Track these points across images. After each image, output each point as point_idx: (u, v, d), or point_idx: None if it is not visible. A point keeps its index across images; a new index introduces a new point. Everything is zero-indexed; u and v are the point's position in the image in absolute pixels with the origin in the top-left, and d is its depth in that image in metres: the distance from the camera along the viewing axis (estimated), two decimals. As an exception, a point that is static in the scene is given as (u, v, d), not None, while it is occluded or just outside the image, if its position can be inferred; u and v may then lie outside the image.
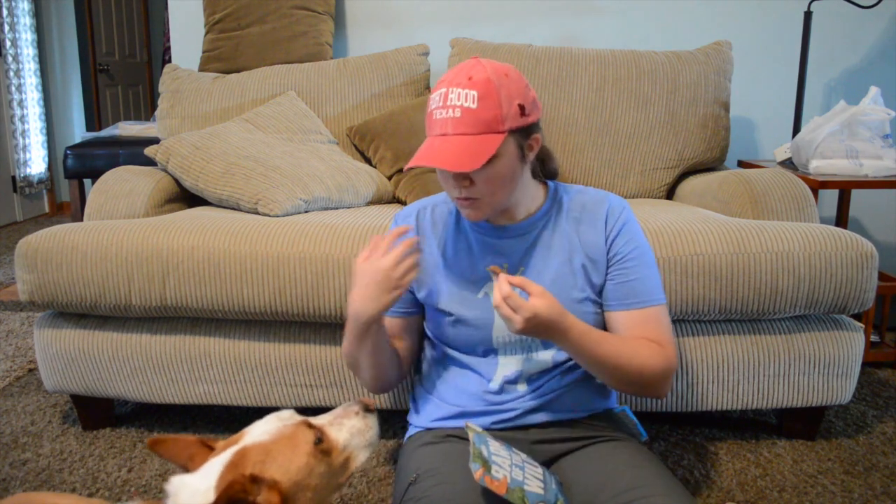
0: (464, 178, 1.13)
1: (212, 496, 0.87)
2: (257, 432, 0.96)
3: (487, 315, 1.24)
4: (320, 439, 0.97)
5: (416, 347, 1.39)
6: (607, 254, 1.24)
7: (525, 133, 1.15)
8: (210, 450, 0.97)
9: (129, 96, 6.00)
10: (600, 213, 1.25)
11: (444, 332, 1.29)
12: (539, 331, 1.08)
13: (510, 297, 1.05)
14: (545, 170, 1.29)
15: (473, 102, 1.08)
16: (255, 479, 0.88)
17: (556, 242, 1.24)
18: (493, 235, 1.25)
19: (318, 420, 1.02)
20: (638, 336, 1.20)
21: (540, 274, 1.23)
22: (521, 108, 1.12)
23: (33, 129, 5.18)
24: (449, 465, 1.14)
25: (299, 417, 1.00)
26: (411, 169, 2.31)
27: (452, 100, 1.10)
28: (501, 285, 1.06)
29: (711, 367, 1.69)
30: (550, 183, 1.30)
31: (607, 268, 1.24)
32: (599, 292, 1.25)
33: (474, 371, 1.27)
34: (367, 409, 1.06)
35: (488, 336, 1.25)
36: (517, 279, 1.08)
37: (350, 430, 1.02)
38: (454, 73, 1.12)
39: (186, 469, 0.96)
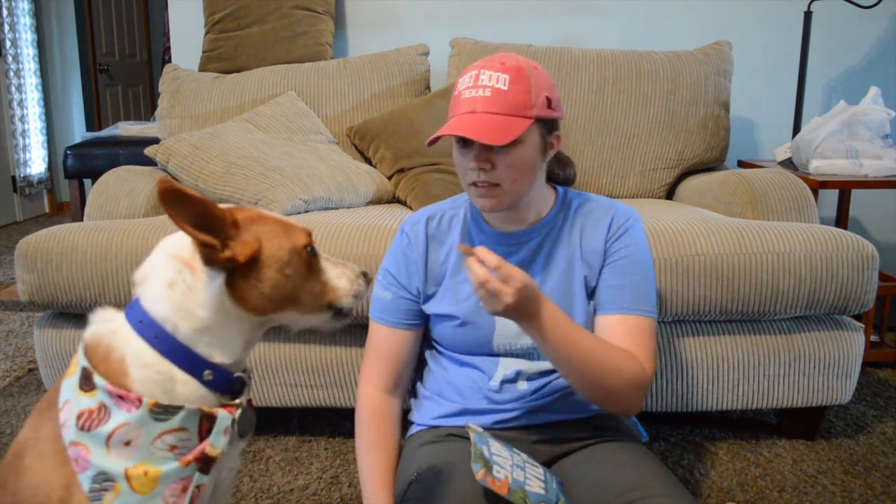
0: (486, 161, 1.12)
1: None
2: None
3: (490, 319, 1.24)
4: (314, 252, 0.91)
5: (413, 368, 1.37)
6: (604, 255, 1.22)
7: (549, 127, 1.17)
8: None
9: (129, 96, 6.01)
10: (604, 218, 1.24)
11: (446, 334, 1.29)
12: (524, 308, 1.02)
13: (488, 280, 0.99)
14: (564, 175, 1.31)
15: (504, 84, 1.10)
16: (236, 224, 0.83)
17: (559, 254, 1.24)
18: (498, 242, 1.25)
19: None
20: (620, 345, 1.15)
21: (540, 284, 1.23)
22: (549, 100, 1.14)
23: (33, 129, 5.18)
24: (450, 465, 1.14)
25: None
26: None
27: (483, 80, 1.11)
28: (475, 268, 0.99)
29: (711, 367, 1.69)
30: (560, 189, 1.30)
31: (601, 268, 1.22)
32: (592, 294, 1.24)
33: (475, 368, 1.27)
34: (366, 278, 0.99)
35: (489, 340, 1.25)
36: (493, 259, 0.99)
37: (339, 274, 0.95)
38: (485, 59, 1.15)
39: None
